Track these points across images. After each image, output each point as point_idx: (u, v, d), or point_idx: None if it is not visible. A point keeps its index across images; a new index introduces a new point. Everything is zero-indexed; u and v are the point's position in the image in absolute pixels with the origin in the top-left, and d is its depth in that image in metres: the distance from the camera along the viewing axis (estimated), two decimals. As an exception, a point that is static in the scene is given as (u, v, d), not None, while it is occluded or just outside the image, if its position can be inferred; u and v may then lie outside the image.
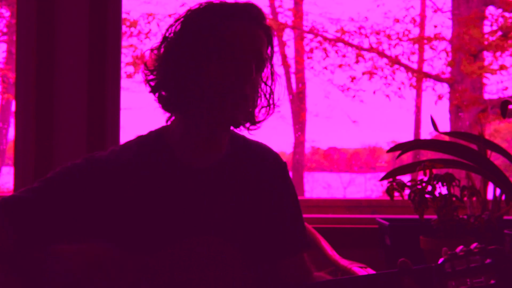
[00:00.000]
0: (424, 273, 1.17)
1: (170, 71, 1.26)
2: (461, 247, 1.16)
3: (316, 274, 1.41)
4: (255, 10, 1.28)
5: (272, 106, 1.33)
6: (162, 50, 1.29)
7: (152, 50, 1.30)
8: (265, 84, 1.32)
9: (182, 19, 1.29)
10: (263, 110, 1.32)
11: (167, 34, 1.29)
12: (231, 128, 1.30)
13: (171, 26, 1.30)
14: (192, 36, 1.25)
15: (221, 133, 1.30)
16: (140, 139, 1.35)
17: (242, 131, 1.33)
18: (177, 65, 1.25)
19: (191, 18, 1.28)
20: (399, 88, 6.33)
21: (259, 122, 1.32)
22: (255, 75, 1.25)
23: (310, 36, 6.60)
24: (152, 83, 1.29)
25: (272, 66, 1.33)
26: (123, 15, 2.75)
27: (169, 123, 1.33)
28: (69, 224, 1.23)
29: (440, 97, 6.21)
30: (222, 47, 1.24)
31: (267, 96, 1.32)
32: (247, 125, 1.31)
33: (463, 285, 1.13)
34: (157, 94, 1.29)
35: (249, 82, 1.24)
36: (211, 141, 1.30)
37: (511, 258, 1.11)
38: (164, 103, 1.29)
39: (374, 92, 6.32)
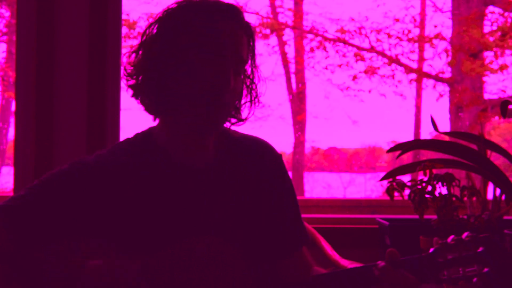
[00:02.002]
0: (415, 263, 1.15)
1: (150, 71, 1.26)
2: (452, 236, 1.14)
3: (316, 268, 1.41)
4: (231, 8, 1.27)
5: (255, 100, 1.34)
6: (140, 53, 1.28)
7: (130, 54, 1.29)
8: (248, 78, 1.33)
9: (158, 20, 1.28)
10: (247, 105, 1.34)
11: (144, 38, 1.28)
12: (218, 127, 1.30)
13: (148, 27, 1.29)
14: (170, 33, 1.25)
15: (205, 134, 1.30)
16: (129, 141, 1.34)
17: (231, 126, 1.35)
18: (156, 64, 1.25)
19: (166, 18, 1.28)
20: (400, 82, 6.32)
21: (244, 120, 1.34)
22: (233, 83, 1.25)
23: (310, 36, 6.60)
24: (134, 87, 1.29)
25: (254, 61, 1.33)
26: (123, 17, 2.75)
27: (156, 123, 1.33)
28: (68, 225, 1.23)
29: (440, 95, 6.22)
30: (200, 43, 1.23)
31: (250, 90, 1.33)
32: (233, 121, 1.33)
33: (455, 274, 1.11)
34: (139, 98, 1.29)
35: (228, 91, 1.24)
36: (197, 141, 1.30)
37: (503, 246, 1.09)
38: (146, 105, 1.29)
39: (375, 89, 6.33)
